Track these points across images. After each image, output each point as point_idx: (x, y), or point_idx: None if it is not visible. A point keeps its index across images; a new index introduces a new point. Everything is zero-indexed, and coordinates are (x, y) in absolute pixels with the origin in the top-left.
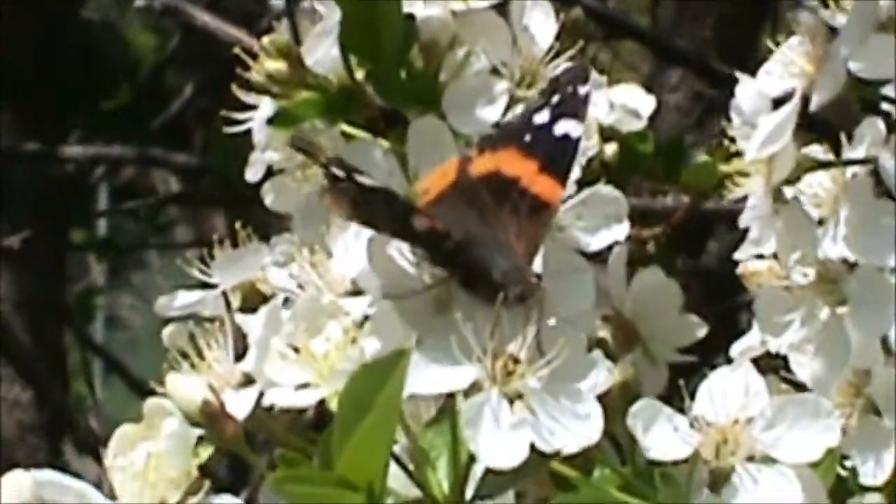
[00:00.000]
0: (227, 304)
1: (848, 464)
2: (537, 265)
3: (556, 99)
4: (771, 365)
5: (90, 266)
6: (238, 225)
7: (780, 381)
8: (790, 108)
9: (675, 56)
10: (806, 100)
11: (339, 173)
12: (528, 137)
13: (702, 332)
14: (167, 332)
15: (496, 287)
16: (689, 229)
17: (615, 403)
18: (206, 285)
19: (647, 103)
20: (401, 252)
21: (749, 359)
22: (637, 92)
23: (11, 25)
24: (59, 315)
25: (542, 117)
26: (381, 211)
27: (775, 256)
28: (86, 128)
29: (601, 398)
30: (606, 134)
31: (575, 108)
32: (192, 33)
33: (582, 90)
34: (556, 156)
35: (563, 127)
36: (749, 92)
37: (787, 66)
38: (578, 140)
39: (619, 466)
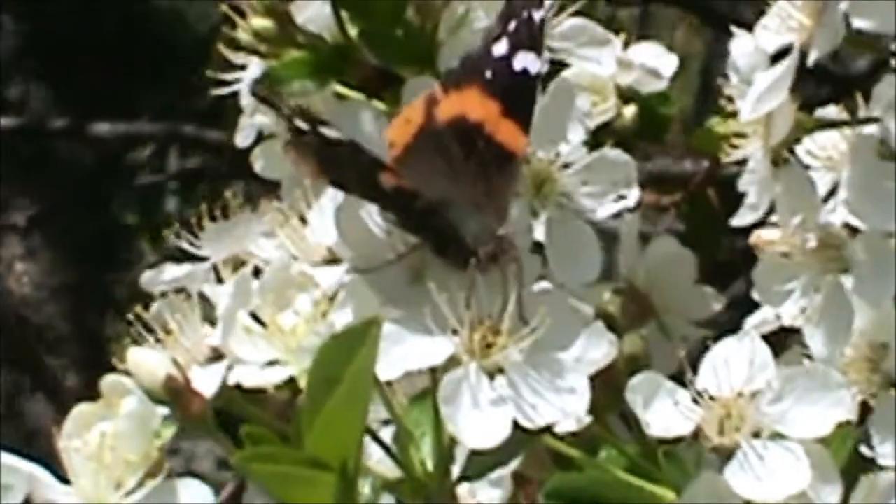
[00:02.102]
0: (218, 277)
1: None
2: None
3: (512, 25)
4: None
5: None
6: (230, 194)
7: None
8: (787, 65)
9: (724, 23)
10: (804, 55)
11: (303, 125)
12: (489, 73)
13: (718, 305)
14: (155, 309)
15: (468, 251)
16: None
17: (622, 378)
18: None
19: (668, 62)
20: (372, 218)
21: (765, 333)
22: (657, 50)
23: None
24: (100, 301)
25: (500, 48)
26: (348, 167)
27: None
28: (129, 105)
29: (605, 372)
30: (626, 95)
31: (531, 37)
32: None
33: (536, 15)
34: (516, 95)
35: (522, 61)
36: (745, 48)
37: (784, 20)
38: (537, 77)
39: (630, 444)
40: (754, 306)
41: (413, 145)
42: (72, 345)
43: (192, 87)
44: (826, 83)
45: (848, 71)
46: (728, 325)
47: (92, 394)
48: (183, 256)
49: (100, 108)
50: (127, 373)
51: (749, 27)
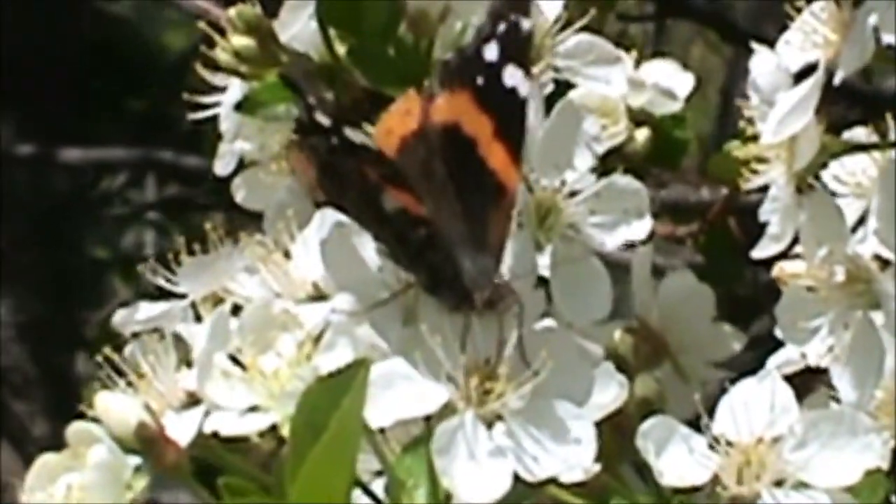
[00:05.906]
0: (197, 316)
1: None
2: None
3: (501, 28)
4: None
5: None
6: (209, 226)
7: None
8: (812, 84)
9: (745, 39)
10: (830, 73)
11: (323, 120)
12: (480, 80)
13: (738, 344)
14: (129, 350)
15: (463, 291)
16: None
17: (633, 423)
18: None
19: (683, 81)
20: (363, 251)
21: (789, 373)
22: (672, 68)
23: (17, 17)
24: (68, 340)
25: (491, 53)
26: (351, 180)
27: None
28: (100, 131)
29: (615, 417)
30: (638, 117)
31: (519, 48)
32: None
33: (524, 24)
34: (508, 114)
35: (512, 77)
36: (767, 66)
37: (808, 35)
38: (526, 100)
39: (643, 495)
40: (779, 345)
41: (398, 160)
42: (39, 389)
43: (168, 111)
44: (857, 104)
45: (880, 90)
46: (750, 365)
47: (61, 443)
48: (159, 293)
49: (68, 133)
50: (95, 419)
51: (771, 44)
